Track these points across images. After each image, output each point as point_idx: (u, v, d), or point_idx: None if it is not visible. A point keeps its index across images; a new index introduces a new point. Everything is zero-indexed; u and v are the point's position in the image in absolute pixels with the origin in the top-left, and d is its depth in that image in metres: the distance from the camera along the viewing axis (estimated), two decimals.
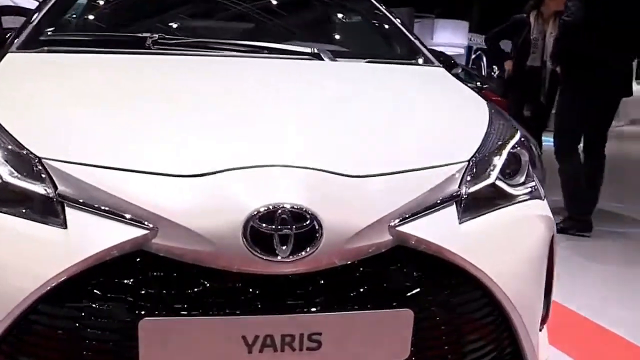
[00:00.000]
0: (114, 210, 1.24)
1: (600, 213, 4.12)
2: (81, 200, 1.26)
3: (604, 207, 4.26)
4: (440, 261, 1.34)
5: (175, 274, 1.23)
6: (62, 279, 1.19)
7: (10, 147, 1.35)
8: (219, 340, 1.21)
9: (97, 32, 2.21)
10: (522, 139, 1.69)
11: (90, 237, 1.22)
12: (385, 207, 1.31)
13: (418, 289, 1.31)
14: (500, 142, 1.60)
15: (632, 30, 3.66)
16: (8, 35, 2.19)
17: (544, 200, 1.64)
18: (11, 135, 1.37)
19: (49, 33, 2.05)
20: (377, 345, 1.30)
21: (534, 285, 1.51)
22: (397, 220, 1.31)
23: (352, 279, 1.28)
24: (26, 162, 1.32)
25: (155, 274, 1.22)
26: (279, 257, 1.21)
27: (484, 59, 19.32)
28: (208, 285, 1.22)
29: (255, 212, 1.20)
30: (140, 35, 1.98)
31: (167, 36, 1.98)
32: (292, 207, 1.21)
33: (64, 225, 1.25)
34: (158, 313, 1.19)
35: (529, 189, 1.59)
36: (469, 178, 1.46)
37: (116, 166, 1.29)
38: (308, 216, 1.22)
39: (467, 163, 1.48)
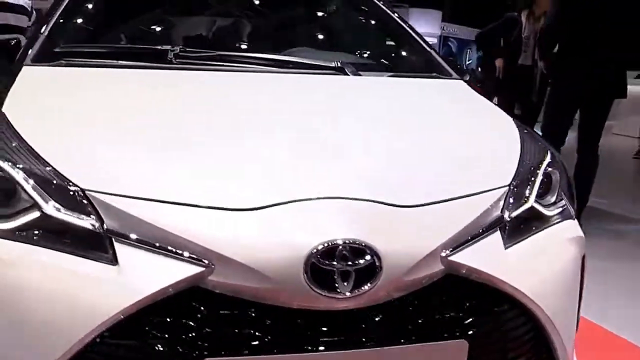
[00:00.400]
0: (167, 247, 1.21)
1: (587, 210, 4.19)
2: (131, 236, 1.22)
3: (591, 203, 4.34)
4: (487, 288, 1.35)
5: (233, 311, 1.20)
6: (119, 318, 1.16)
7: (50, 178, 1.30)
8: None
9: (113, 42, 2.12)
10: (553, 159, 1.70)
11: (145, 275, 1.18)
12: (438, 236, 1.30)
13: (471, 319, 1.31)
14: (534, 164, 1.62)
15: (618, 30, 3.74)
16: (13, 42, 2.10)
17: (574, 220, 1.66)
18: (50, 165, 1.32)
19: (63, 44, 1.96)
20: None
21: (570, 304, 1.54)
22: (448, 250, 1.31)
23: (406, 312, 1.27)
24: (69, 194, 1.27)
25: (213, 311, 1.20)
26: (340, 294, 1.19)
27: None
28: (268, 322, 1.20)
29: (316, 249, 1.19)
30: (161, 47, 1.93)
31: (188, 49, 1.93)
32: (353, 243, 1.20)
33: (114, 261, 1.21)
34: (221, 353, 1.17)
35: (560, 209, 1.61)
36: (511, 201, 1.47)
37: (167, 199, 1.25)
38: (368, 251, 1.20)
39: (508, 187, 1.49)
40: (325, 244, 1.19)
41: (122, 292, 1.17)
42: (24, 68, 1.81)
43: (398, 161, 1.49)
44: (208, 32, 2.26)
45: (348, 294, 1.19)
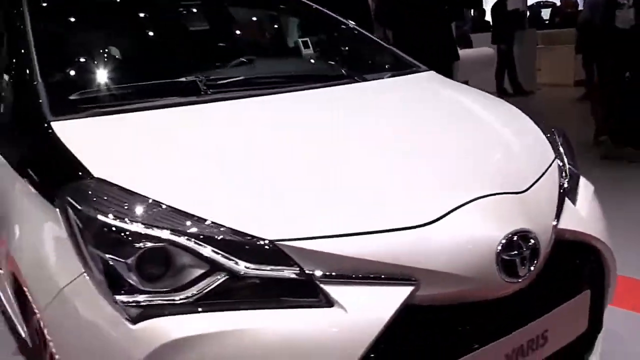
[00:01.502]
0: (371, 276, 1.26)
1: None
2: (335, 274, 1.24)
3: None
4: (568, 241, 1.59)
5: (439, 318, 1.31)
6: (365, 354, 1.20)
7: (228, 237, 1.25)
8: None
9: (121, 78, 1.90)
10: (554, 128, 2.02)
11: (368, 310, 1.22)
12: (551, 210, 1.55)
13: (584, 270, 1.60)
14: (552, 136, 1.92)
15: None
16: None
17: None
18: (221, 225, 1.26)
19: (76, 91, 1.74)
20: (572, 325, 1.55)
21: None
22: (555, 220, 1.56)
23: (545, 282, 1.49)
24: (259, 249, 1.24)
25: (429, 322, 1.29)
26: (519, 278, 1.37)
27: None
28: (474, 319, 1.34)
29: (501, 244, 1.34)
30: (186, 79, 1.84)
31: (213, 77, 1.87)
32: (521, 231, 1.37)
33: (329, 303, 1.23)
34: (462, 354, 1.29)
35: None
36: (563, 174, 1.76)
37: (351, 231, 1.28)
38: (531, 235, 1.39)
39: (554, 161, 1.78)
40: (507, 237, 1.34)
41: (357, 330, 1.20)
42: (56, 125, 1.58)
43: (477, 156, 1.67)
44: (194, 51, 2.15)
45: (523, 277, 1.38)
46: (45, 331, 1.40)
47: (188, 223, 1.26)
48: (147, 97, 1.77)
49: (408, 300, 1.25)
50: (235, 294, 1.23)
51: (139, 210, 1.29)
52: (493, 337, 1.35)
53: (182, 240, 1.24)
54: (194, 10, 2.45)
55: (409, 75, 2.23)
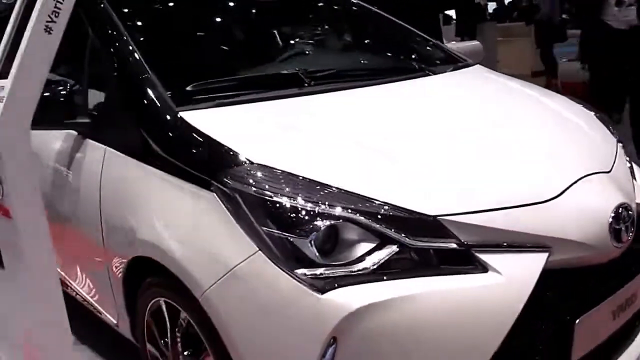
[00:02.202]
0: (515, 244, 1.44)
1: None
2: (486, 244, 1.42)
3: None
4: None
5: (564, 279, 1.51)
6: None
7: (394, 213, 1.40)
8: (608, 315, 1.58)
9: (233, 73, 2.01)
10: None
11: (519, 274, 1.40)
12: (631, 186, 1.77)
13: None
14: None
15: None
16: None
17: None
18: (387, 203, 1.41)
19: (190, 83, 1.84)
20: None
21: None
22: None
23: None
24: (424, 223, 1.40)
25: (560, 282, 1.49)
26: (622, 244, 1.58)
27: None
28: (590, 281, 1.54)
29: (612, 214, 1.55)
30: (287, 72, 1.97)
31: (312, 70, 2.00)
32: (624, 204, 1.59)
33: (483, 269, 1.40)
34: (584, 312, 1.49)
35: None
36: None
37: (496, 207, 1.45)
38: (629, 208, 1.60)
39: (617, 142, 2.01)
40: (615, 209, 1.55)
41: (512, 290, 1.38)
42: (185, 115, 1.69)
43: (568, 139, 1.88)
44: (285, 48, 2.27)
45: (625, 243, 1.59)
46: (210, 312, 1.48)
47: (358, 202, 1.41)
48: (254, 89, 1.88)
49: (546, 265, 1.45)
50: (404, 264, 1.38)
51: (310, 191, 1.42)
52: (604, 296, 1.56)
53: (356, 217, 1.38)
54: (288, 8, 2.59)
55: (469, 68, 2.43)
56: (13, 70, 1.33)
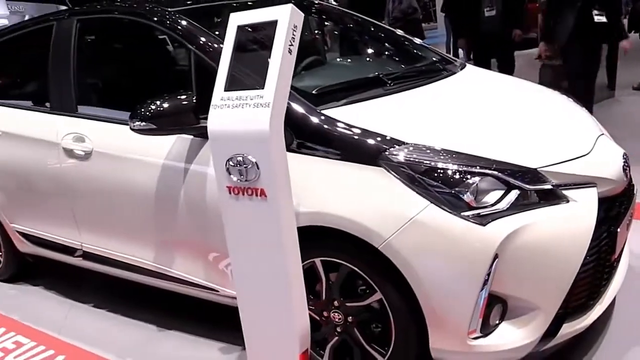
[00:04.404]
0: (577, 182, 2.15)
1: None
2: (564, 184, 2.12)
3: None
4: None
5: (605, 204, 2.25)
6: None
7: (515, 169, 2.07)
8: (624, 226, 2.35)
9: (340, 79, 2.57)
10: None
11: (588, 201, 2.13)
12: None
13: None
14: None
15: None
16: None
17: None
18: (507, 162, 2.08)
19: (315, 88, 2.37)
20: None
21: None
22: None
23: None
24: (533, 175, 2.08)
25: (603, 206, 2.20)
26: (626, 179, 2.38)
27: None
28: (616, 203, 2.32)
29: (623, 159, 2.35)
30: (376, 75, 2.58)
31: (384, 73, 2.62)
32: (625, 154, 2.40)
33: (567, 201, 2.10)
34: (618, 225, 2.28)
35: None
36: None
37: (565, 159, 2.18)
38: (626, 157, 2.42)
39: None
40: (623, 156, 2.38)
41: (587, 210, 2.10)
42: (334, 111, 2.23)
43: (575, 115, 2.69)
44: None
45: (627, 178, 2.40)
46: (393, 255, 2.00)
47: (490, 163, 2.05)
48: (360, 90, 2.45)
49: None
50: (524, 202, 2.04)
51: (455, 158, 2.05)
52: (624, 214, 2.36)
53: (492, 172, 2.03)
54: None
55: (470, 67, 3.16)
56: (272, 83, 1.79)
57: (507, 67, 6.22)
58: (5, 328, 3.24)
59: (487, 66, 5.95)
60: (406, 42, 3.40)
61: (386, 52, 3.37)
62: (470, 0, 6.30)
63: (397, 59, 3.34)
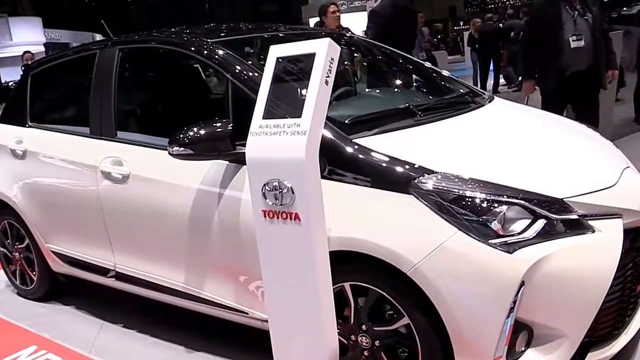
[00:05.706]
0: (603, 213, 2.20)
1: None
2: (589, 214, 2.17)
3: None
4: None
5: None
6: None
7: (542, 199, 2.13)
8: None
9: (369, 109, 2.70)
10: None
11: (614, 232, 2.18)
12: None
13: None
14: None
15: None
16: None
17: None
18: (533, 192, 2.14)
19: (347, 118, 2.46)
20: None
21: None
22: None
23: None
24: (558, 204, 2.14)
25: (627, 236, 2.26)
26: None
27: None
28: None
29: None
30: (405, 106, 2.67)
31: (417, 104, 2.71)
32: None
33: (592, 231, 2.15)
34: None
35: None
36: None
37: (591, 191, 2.23)
38: None
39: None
40: None
41: (612, 240, 2.15)
42: (365, 140, 2.32)
43: (599, 147, 2.75)
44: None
45: None
46: (421, 281, 2.06)
47: (517, 192, 2.11)
48: (390, 120, 2.53)
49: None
50: (550, 231, 2.10)
51: (483, 187, 2.11)
52: None
53: (519, 201, 2.09)
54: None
55: (498, 100, 3.23)
56: (308, 112, 1.89)
57: (590, 114, 4.62)
58: (37, 346, 3.33)
59: (561, 112, 4.47)
60: (434, 74, 3.49)
61: (415, 84, 3.47)
62: (550, 26, 4.55)
63: (426, 90, 3.43)
